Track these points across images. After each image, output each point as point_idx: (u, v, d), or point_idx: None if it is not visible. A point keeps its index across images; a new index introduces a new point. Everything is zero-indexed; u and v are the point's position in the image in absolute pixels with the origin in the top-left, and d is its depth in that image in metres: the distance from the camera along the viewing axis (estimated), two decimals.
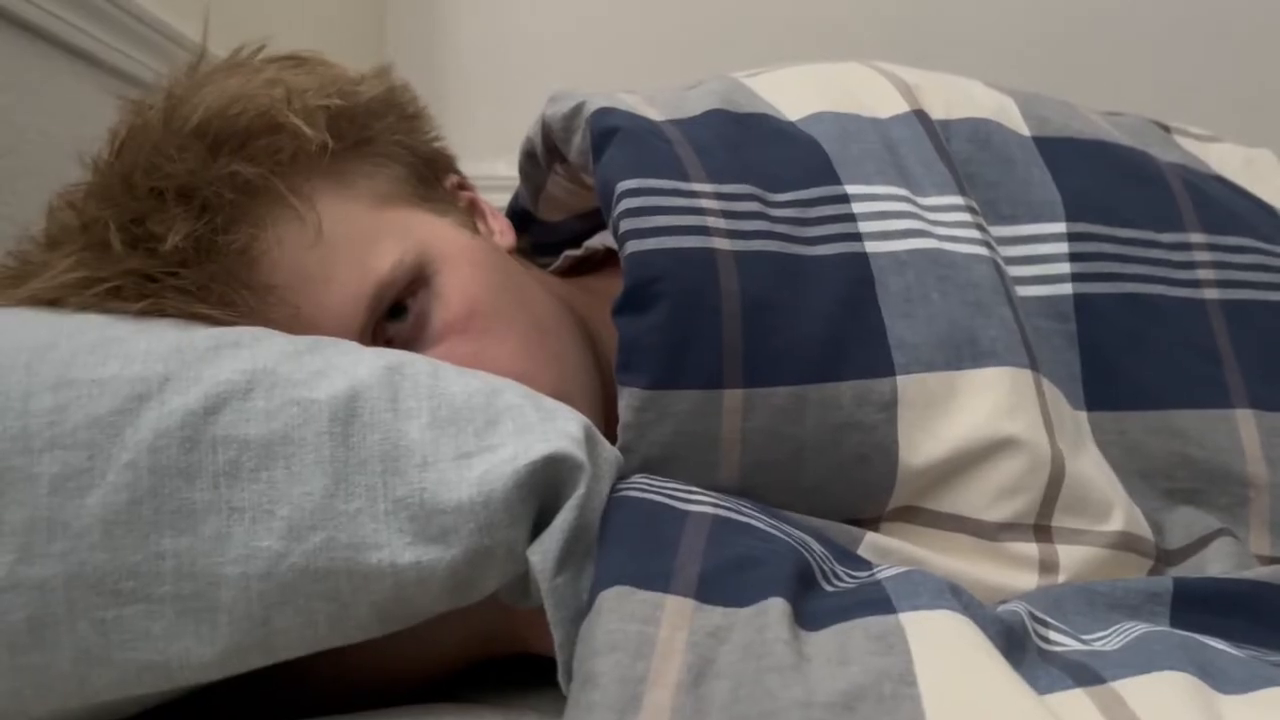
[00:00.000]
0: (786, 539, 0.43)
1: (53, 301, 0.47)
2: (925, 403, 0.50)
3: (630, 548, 0.40)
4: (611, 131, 0.54)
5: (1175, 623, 0.44)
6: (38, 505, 0.38)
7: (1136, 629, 0.42)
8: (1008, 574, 0.49)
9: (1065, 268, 0.57)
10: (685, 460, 0.48)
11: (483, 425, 0.42)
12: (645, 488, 0.44)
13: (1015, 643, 0.39)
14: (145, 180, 0.48)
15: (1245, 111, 1.50)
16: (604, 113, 0.56)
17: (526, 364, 0.51)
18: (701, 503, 0.44)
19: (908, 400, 0.50)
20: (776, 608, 0.37)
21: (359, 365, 0.43)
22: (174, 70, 0.54)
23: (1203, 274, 0.58)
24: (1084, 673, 0.38)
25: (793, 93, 0.62)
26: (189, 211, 0.47)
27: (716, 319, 0.49)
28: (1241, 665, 0.38)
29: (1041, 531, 0.50)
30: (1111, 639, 0.42)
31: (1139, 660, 0.38)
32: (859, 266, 0.52)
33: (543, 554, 0.40)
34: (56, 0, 0.81)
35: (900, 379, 0.50)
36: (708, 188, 0.52)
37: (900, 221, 0.54)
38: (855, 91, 0.62)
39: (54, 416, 0.39)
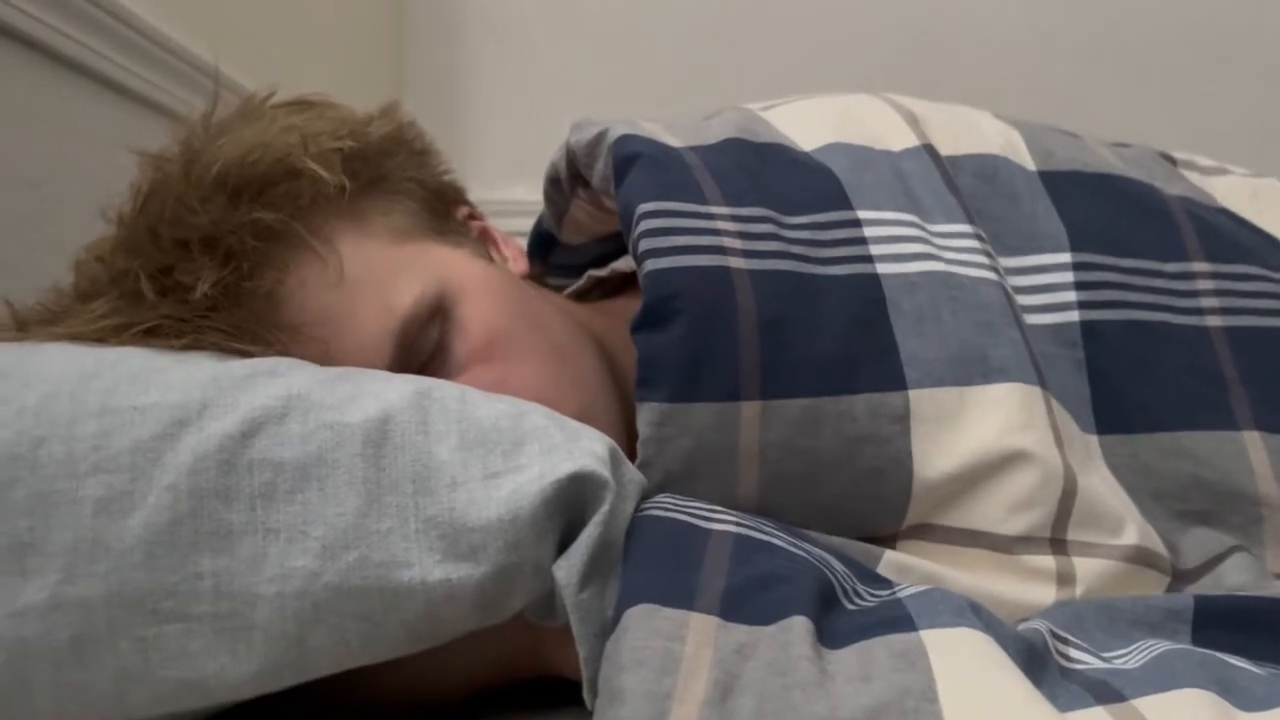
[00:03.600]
0: (808, 557, 0.44)
1: (93, 340, 0.49)
2: (937, 416, 0.51)
3: (655, 566, 0.41)
4: (633, 157, 0.56)
5: (1196, 640, 0.45)
6: (81, 527, 0.39)
7: (1158, 646, 0.42)
8: (1026, 588, 0.49)
9: (1071, 296, 0.59)
10: (705, 475, 0.49)
11: (510, 446, 0.43)
12: (668, 507, 0.45)
13: (1036, 660, 0.39)
14: (170, 232, 0.49)
15: (1256, 139, 1.51)
16: (626, 139, 0.57)
17: (549, 386, 0.53)
18: (724, 521, 0.45)
19: (920, 414, 0.51)
20: (799, 625, 0.37)
21: (389, 390, 0.44)
22: (189, 122, 0.56)
23: (1206, 301, 0.59)
24: (1105, 690, 0.38)
25: (807, 124, 0.63)
26: (214, 260, 0.49)
27: (734, 334, 0.50)
28: (1262, 683, 0.39)
29: (1057, 545, 0.51)
30: (1132, 656, 0.42)
31: (1160, 678, 0.38)
32: (872, 287, 0.54)
33: (568, 569, 0.41)
34: (83, 29, 0.83)
35: (913, 393, 0.51)
36: (724, 210, 0.54)
37: (911, 245, 0.56)
38: (867, 124, 0.64)
39: (98, 442, 0.40)
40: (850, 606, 0.42)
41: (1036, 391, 0.53)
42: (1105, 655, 0.43)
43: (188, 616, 0.39)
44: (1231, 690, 0.37)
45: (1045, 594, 0.49)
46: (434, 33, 1.63)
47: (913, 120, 0.64)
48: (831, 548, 0.48)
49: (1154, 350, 0.57)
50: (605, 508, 0.42)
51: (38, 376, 0.43)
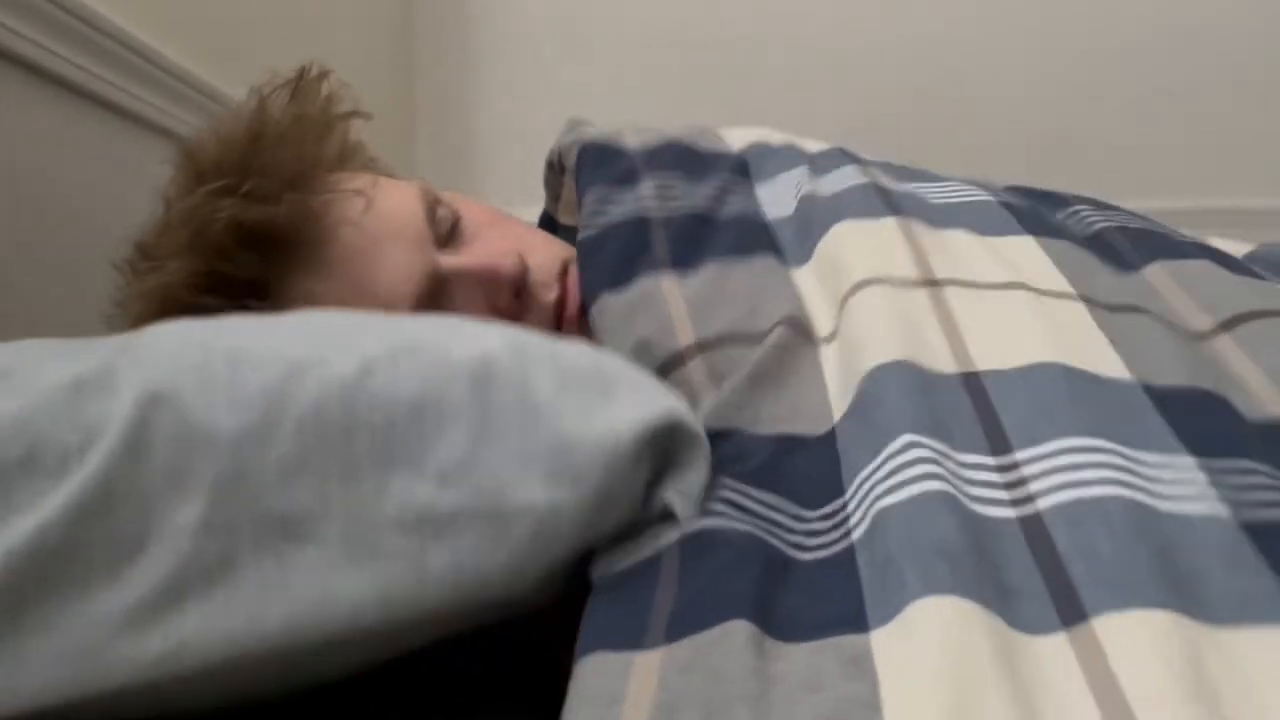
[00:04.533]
0: (752, 530, 0.46)
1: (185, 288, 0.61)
2: None
3: (607, 613, 0.44)
4: (585, 152, 0.76)
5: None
6: (223, 458, 0.43)
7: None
8: None
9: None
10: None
11: (603, 385, 0.48)
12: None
13: (990, 572, 0.40)
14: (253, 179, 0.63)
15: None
16: (587, 143, 0.77)
17: (537, 239, 0.73)
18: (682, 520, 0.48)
19: None
20: (740, 631, 0.39)
21: (487, 335, 0.49)
22: (212, 117, 0.63)
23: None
24: (1068, 600, 0.38)
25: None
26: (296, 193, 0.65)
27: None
28: (1227, 579, 0.38)
29: None
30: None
31: (1119, 584, 0.38)
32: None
33: (682, 500, 0.47)
34: (89, 57, 0.85)
35: None
36: (650, 182, 0.72)
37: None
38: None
39: (232, 386, 0.44)
40: (803, 558, 0.45)
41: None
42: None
43: (321, 538, 0.43)
44: (1195, 598, 0.37)
45: None
46: (444, 56, 1.65)
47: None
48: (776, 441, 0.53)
49: None
50: (705, 449, 0.48)
51: (171, 334, 0.47)
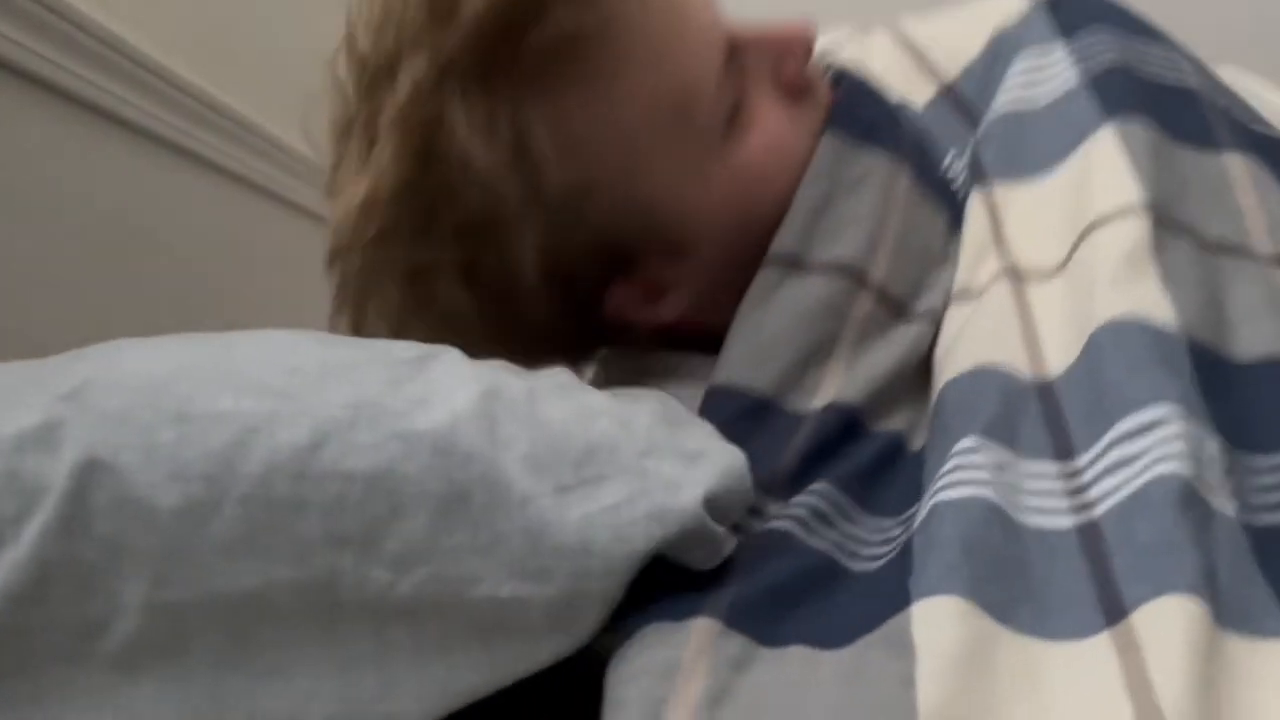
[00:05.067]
0: (815, 547, 0.46)
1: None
2: None
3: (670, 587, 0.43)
4: None
5: None
6: (164, 533, 0.40)
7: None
8: None
9: None
10: None
11: (579, 456, 0.44)
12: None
13: (1014, 571, 0.40)
14: None
15: None
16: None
17: None
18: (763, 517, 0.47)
19: None
20: (797, 656, 0.40)
21: (458, 392, 0.45)
22: None
23: None
24: (1110, 595, 0.37)
25: None
26: None
27: None
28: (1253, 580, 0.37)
29: None
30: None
31: (1153, 570, 0.37)
32: None
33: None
34: (94, 69, 0.85)
35: None
36: None
37: None
38: None
39: (176, 454, 0.41)
40: (857, 568, 0.45)
41: None
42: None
43: (279, 619, 0.40)
44: (1224, 596, 0.36)
45: None
46: None
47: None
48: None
49: None
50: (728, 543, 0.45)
51: (119, 384, 0.43)
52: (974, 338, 0.52)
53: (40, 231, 0.77)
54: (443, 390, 0.45)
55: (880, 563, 0.45)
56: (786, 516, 0.47)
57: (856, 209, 0.59)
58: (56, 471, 0.39)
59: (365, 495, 0.41)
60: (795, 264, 0.58)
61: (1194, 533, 0.37)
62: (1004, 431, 0.46)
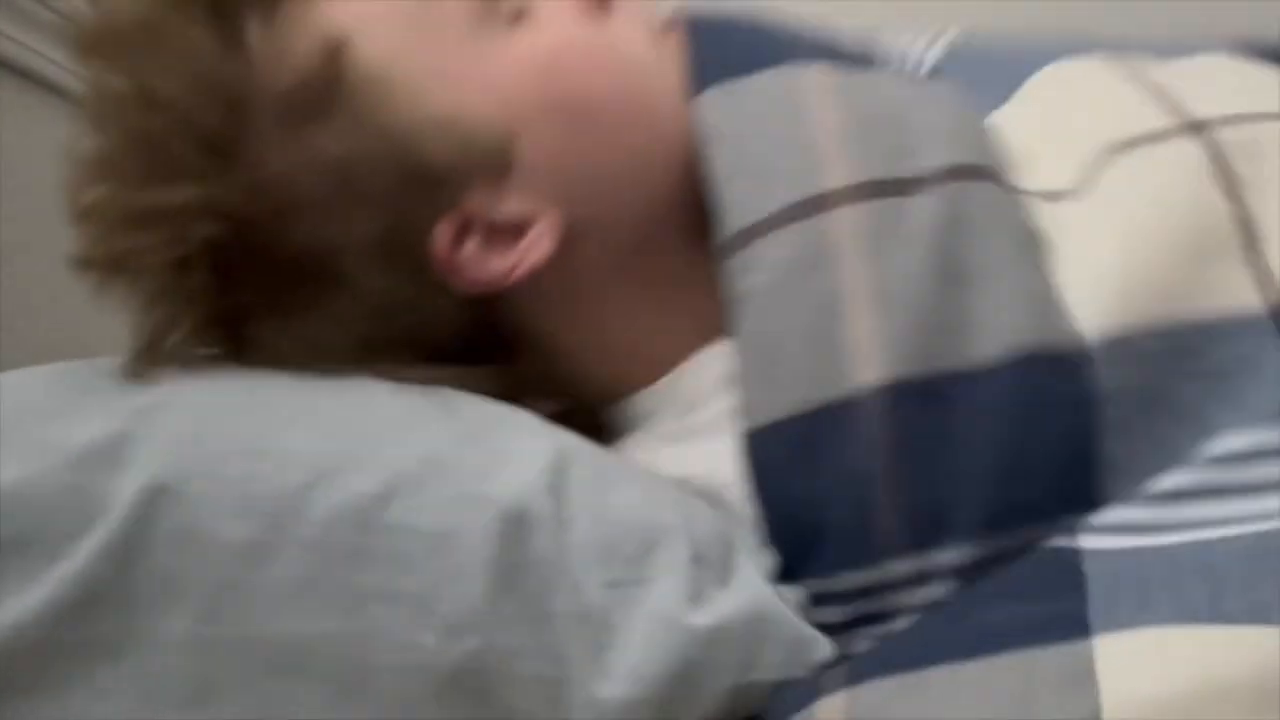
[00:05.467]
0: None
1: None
2: None
3: None
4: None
5: None
6: (222, 568, 0.39)
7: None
8: None
9: None
10: None
11: (635, 551, 0.42)
12: None
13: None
14: None
15: None
16: None
17: None
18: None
19: None
20: None
21: (530, 458, 0.43)
22: None
23: None
24: None
25: None
26: None
27: None
28: None
29: None
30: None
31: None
32: None
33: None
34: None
35: None
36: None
37: None
38: None
39: (245, 489, 0.40)
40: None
41: None
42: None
43: (310, 673, 0.40)
44: None
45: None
46: None
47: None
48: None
49: None
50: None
51: (192, 406, 0.43)
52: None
53: (45, 235, 0.77)
54: (516, 450, 0.44)
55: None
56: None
57: (778, 143, 0.49)
58: (123, 491, 0.39)
59: (428, 553, 0.40)
60: (747, 240, 0.47)
61: None
62: None
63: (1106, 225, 0.44)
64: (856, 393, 0.43)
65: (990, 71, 0.54)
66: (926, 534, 0.41)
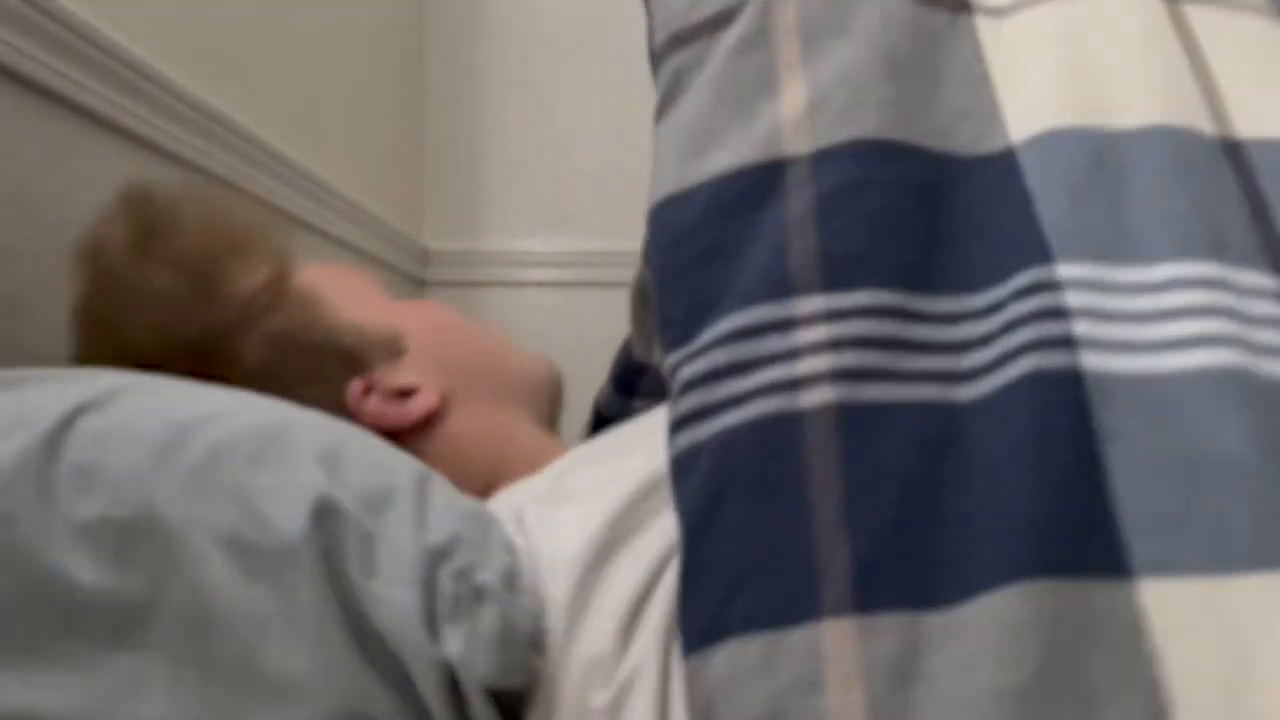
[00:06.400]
0: (901, 400, 0.33)
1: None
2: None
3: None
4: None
5: None
6: (135, 460, 0.44)
7: None
8: None
9: None
10: None
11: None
12: None
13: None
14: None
15: None
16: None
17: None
18: None
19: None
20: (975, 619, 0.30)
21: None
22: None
23: None
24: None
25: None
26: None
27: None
28: None
29: None
30: None
31: None
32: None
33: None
34: (103, 82, 0.85)
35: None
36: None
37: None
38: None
39: (168, 406, 0.48)
40: (967, 396, 0.32)
41: None
42: None
43: (201, 561, 0.44)
44: None
45: None
46: (454, 88, 1.68)
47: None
48: None
49: None
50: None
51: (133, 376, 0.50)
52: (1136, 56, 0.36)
53: (40, 240, 0.77)
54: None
55: (996, 379, 0.31)
56: (824, 377, 0.32)
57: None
58: (63, 401, 0.44)
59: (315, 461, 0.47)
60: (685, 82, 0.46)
61: None
62: (1208, 234, 0.31)
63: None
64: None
65: None
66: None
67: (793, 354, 0.32)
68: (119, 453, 0.43)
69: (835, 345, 0.32)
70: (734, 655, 0.30)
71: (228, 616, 0.39)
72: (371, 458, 0.49)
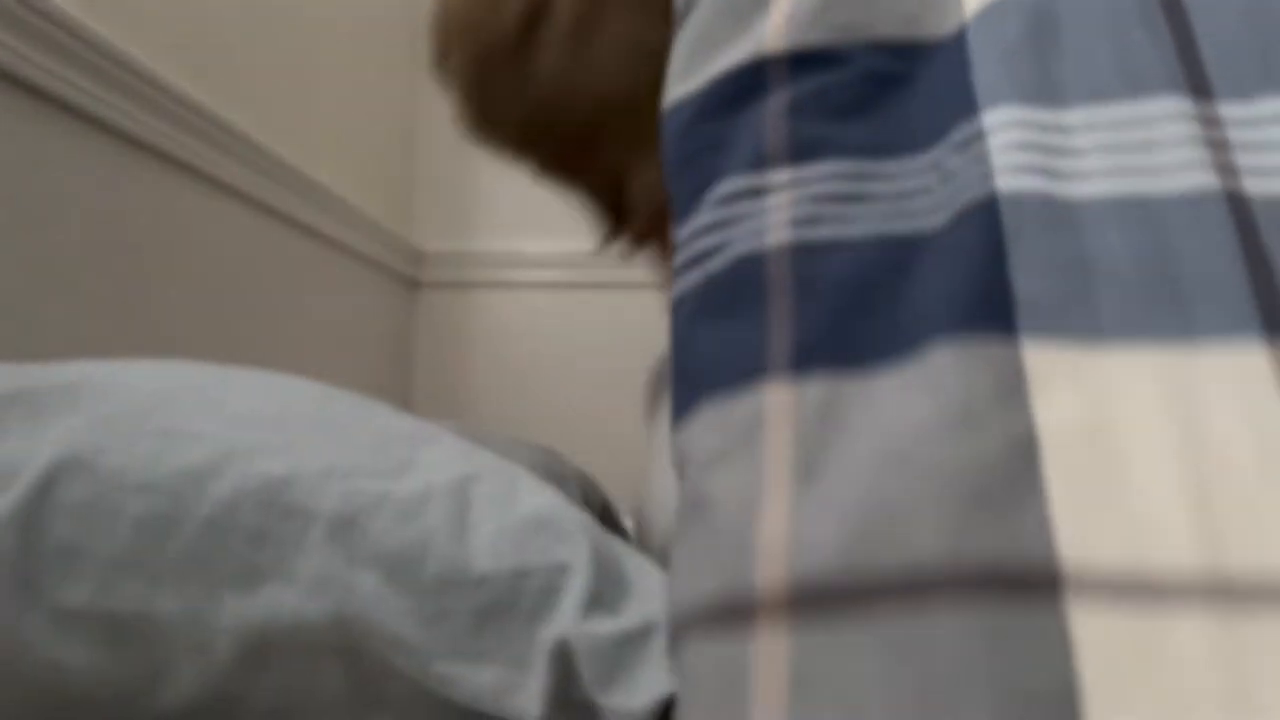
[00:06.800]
0: (859, 235, 0.37)
1: None
2: None
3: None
4: None
5: None
6: (121, 540, 0.40)
7: None
8: None
9: None
10: None
11: (552, 536, 0.45)
12: None
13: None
14: None
15: None
16: None
17: None
18: None
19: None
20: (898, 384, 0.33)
21: (436, 473, 0.46)
22: None
23: None
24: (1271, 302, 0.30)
25: None
26: None
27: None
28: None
29: None
30: None
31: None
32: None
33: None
34: (106, 88, 0.87)
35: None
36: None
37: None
38: None
39: (149, 461, 0.42)
40: (926, 226, 0.36)
41: None
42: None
43: (206, 648, 0.41)
44: None
45: None
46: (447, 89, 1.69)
47: None
48: None
49: None
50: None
51: (114, 388, 0.44)
52: None
53: (38, 241, 0.77)
54: (424, 465, 0.46)
55: (936, 219, 0.35)
56: (784, 225, 0.37)
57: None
58: (32, 462, 0.40)
59: (327, 536, 0.42)
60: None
61: None
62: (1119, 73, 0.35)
63: None
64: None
65: None
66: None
67: (763, 212, 0.39)
68: (101, 537, 0.40)
69: (796, 202, 0.38)
70: (701, 419, 0.36)
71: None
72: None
